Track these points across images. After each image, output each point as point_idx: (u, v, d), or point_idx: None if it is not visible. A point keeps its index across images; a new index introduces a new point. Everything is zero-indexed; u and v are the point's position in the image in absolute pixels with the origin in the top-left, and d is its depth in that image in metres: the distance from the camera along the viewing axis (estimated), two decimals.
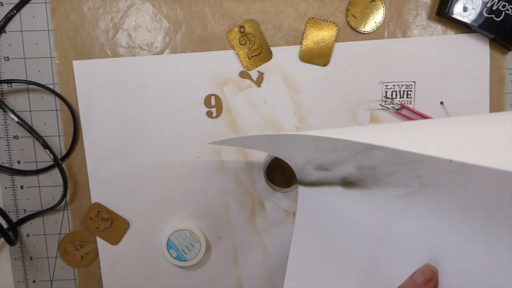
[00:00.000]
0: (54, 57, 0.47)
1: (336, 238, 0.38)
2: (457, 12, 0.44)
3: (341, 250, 0.37)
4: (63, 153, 0.48)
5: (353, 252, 0.36)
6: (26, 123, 0.45)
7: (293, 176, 0.45)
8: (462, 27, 0.46)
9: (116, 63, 0.47)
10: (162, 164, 0.48)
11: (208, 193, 0.49)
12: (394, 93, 0.47)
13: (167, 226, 0.49)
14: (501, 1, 0.43)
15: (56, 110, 0.48)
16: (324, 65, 0.47)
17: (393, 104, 0.47)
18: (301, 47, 0.47)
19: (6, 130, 0.48)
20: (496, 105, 0.47)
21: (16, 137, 0.48)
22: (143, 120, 0.48)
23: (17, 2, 0.46)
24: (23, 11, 0.46)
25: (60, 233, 0.50)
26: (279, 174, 0.43)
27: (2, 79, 0.47)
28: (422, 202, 0.30)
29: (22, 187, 0.49)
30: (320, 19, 0.46)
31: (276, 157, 0.43)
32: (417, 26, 0.47)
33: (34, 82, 0.46)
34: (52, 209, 0.49)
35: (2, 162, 0.48)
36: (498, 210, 0.25)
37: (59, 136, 0.48)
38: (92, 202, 0.49)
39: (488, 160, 0.18)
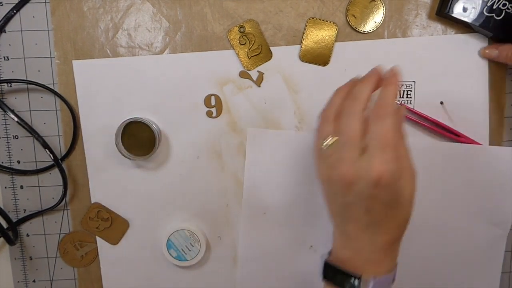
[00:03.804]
0: (54, 57, 0.47)
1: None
2: (457, 11, 0.44)
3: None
4: (63, 153, 0.48)
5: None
6: (26, 123, 0.45)
7: (150, 143, 0.45)
8: (462, 26, 0.46)
9: (116, 63, 0.47)
10: (162, 164, 0.48)
11: (208, 193, 0.49)
12: None
13: (167, 226, 0.49)
14: (501, 0, 0.43)
15: (56, 110, 0.48)
16: (324, 65, 0.47)
17: None
18: (301, 47, 0.47)
19: (6, 130, 0.48)
20: (496, 105, 0.47)
21: (16, 137, 0.48)
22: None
23: (17, 2, 0.46)
24: (23, 11, 0.46)
25: (60, 233, 0.50)
26: (134, 141, 0.42)
27: (2, 79, 0.47)
28: None
29: (22, 187, 0.49)
30: (320, 19, 0.46)
31: (129, 124, 0.44)
32: (417, 26, 0.47)
33: (34, 82, 0.46)
34: (52, 209, 0.49)
35: (2, 162, 0.48)
36: None
37: (59, 136, 0.48)
38: (92, 202, 0.49)
39: None
